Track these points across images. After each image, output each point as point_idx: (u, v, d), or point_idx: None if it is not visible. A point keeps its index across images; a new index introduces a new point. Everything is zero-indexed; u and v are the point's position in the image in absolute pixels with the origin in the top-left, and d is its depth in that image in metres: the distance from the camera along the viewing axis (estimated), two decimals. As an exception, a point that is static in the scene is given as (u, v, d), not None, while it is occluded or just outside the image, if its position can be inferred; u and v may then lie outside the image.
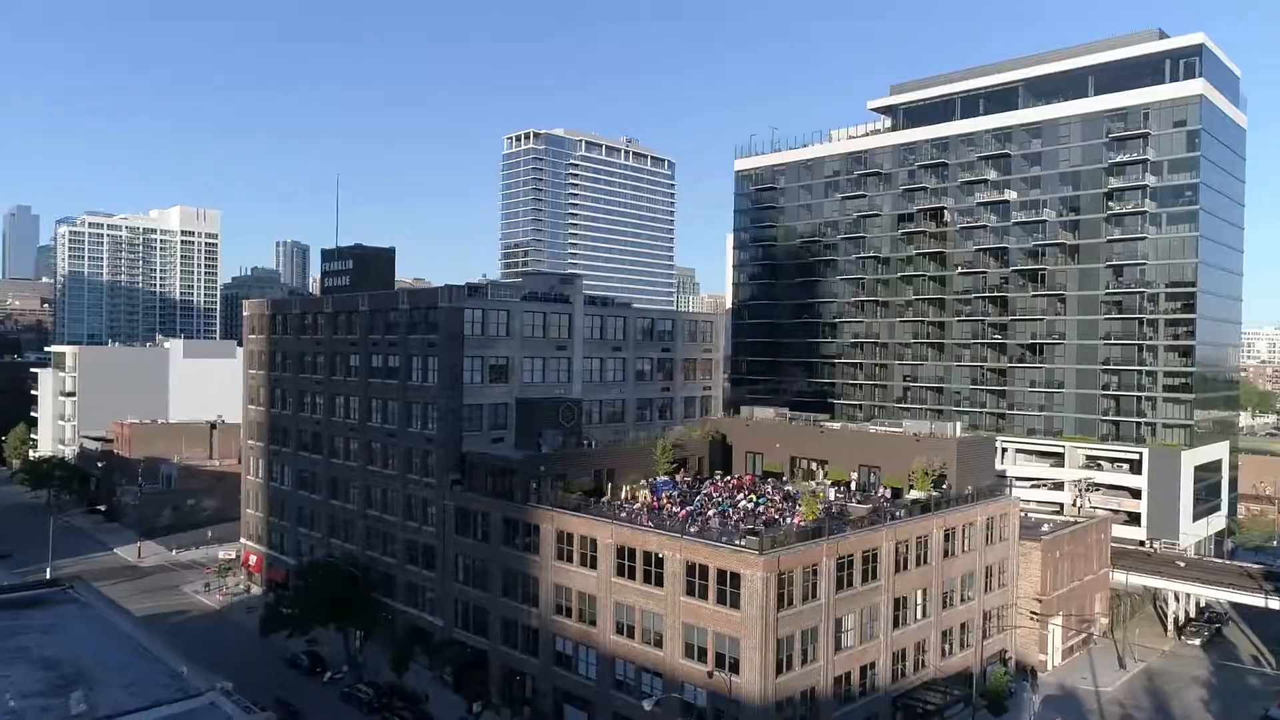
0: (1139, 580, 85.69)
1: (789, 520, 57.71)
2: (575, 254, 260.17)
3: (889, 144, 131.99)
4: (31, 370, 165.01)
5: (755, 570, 48.89)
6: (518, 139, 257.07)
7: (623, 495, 62.07)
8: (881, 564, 57.27)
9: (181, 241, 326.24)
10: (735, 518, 59.28)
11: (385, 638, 73.96)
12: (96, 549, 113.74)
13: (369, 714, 64.50)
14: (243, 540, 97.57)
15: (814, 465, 75.67)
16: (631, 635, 55.73)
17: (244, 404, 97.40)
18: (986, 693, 64.05)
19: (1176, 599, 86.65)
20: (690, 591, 52.39)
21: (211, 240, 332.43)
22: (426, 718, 62.10)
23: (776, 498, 65.88)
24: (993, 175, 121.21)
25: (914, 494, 67.50)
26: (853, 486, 70.06)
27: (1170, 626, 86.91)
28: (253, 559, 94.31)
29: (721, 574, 50.70)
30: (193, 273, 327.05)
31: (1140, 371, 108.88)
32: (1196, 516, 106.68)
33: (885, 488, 68.45)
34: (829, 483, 71.67)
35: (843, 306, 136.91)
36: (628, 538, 55.86)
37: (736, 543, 51.11)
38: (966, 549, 65.60)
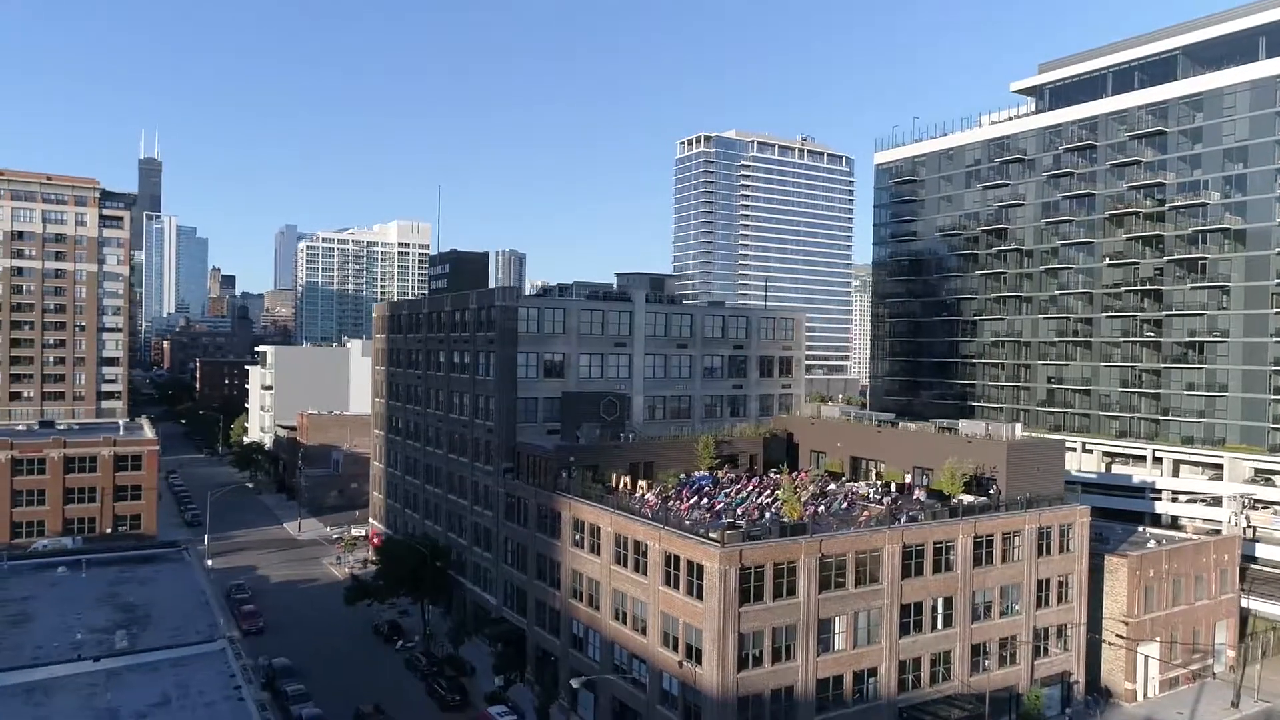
0: (1265, 608, 75.09)
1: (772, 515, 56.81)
2: (746, 256, 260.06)
3: (1033, 127, 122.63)
4: (243, 367, 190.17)
5: (714, 562, 49.02)
6: (689, 143, 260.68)
7: (621, 486, 63.36)
8: (884, 567, 54.94)
9: (398, 252, 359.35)
10: (739, 512, 59.07)
11: (458, 613, 79.93)
12: (270, 523, 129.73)
13: (420, 680, 70.21)
14: (370, 520, 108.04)
15: (870, 465, 73.14)
16: (625, 621, 57.34)
17: (371, 397, 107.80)
18: (1024, 714, 59.35)
19: (1324, 634, 75.06)
20: (667, 581, 53.29)
21: (424, 250, 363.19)
22: (461, 689, 66.69)
23: (805, 495, 64.51)
24: (1147, 155, 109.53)
25: (966, 498, 63.89)
26: (893, 487, 67.01)
27: (1319, 666, 75.40)
28: (376, 537, 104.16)
29: (690, 565, 51.23)
30: (408, 280, 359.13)
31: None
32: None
33: (921, 490, 65.06)
34: (880, 483, 69.08)
35: (983, 303, 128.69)
36: (622, 526, 57.50)
37: (710, 535, 51.33)
38: (1010, 558, 61.06)
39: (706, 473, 70.01)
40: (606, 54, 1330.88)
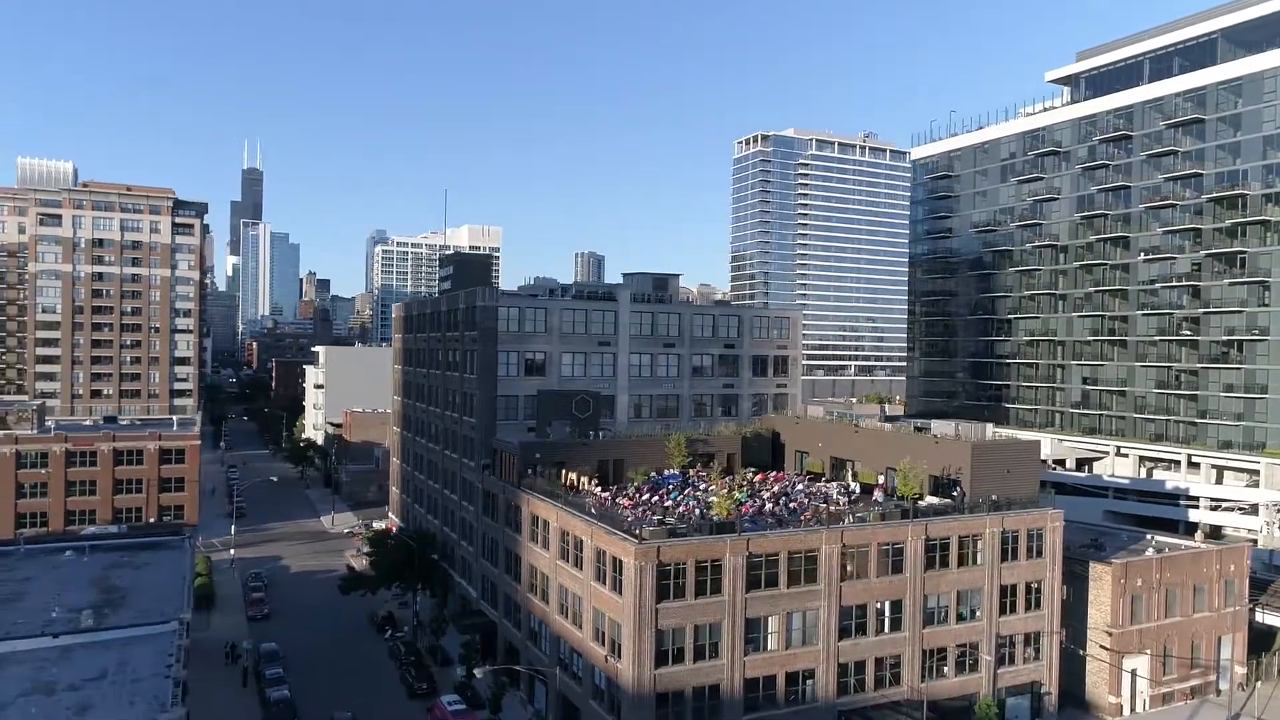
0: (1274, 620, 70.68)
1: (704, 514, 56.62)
2: (805, 257, 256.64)
3: (1067, 118, 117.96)
4: (302, 367, 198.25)
5: (630, 557, 49.34)
6: (747, 142, 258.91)
7: (568, 482, 63.86)
8: (822, 568, 54.15)
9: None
10: (680, 509, 59.09)
11: (451, 605, 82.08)
12: (308, 515, 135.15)
13: (398, 668, 72.46)
14: (390, 514, 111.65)
15: (848, 465, 71.91)
16: (567, 616, 58.14)
17: (391, 395, 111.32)
18: (977, 723, 57.61)
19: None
20: (597, 576, 53.82)
21: (494, 253, 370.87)
22: (430, 678, 68.62)
23: (764, 495, 64.11)
24: (1185, 145, 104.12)
25: (932, 499, 62.44)
26: (857, 488, 65.87)
27: (1338, 685, 70.43)
28: (394, 530, 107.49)
29: (614, 560, 51.65)
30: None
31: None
32: None
33: (880, 490, 63.75)
34: (842, 483, 68.03)
35: (1018, 301, 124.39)
36: (565, 521, 58.29)
37: (634, 532, 51.61)
38: (968, 562, 59.25)
39: (677, 471, 70.04)
40: (684, 51, 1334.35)
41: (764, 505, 60.60)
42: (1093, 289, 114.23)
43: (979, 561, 59.70)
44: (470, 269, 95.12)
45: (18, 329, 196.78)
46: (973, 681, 59.66)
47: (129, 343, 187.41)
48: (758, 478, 70.95)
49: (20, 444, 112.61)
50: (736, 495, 63.59)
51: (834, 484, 68.66)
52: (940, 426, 67.26)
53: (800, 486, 67.76)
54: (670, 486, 66.25)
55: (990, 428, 65.40)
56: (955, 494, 61.70)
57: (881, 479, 67.66)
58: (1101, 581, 65.69)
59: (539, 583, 62.76)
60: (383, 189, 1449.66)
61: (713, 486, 59.79)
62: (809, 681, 54.25)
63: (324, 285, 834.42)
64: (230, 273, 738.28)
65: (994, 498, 61.12)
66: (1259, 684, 68.54)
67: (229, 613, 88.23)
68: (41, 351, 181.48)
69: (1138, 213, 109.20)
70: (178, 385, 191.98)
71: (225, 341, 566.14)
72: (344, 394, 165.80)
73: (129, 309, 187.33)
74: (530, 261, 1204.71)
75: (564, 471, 63.05)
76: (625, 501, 59.98)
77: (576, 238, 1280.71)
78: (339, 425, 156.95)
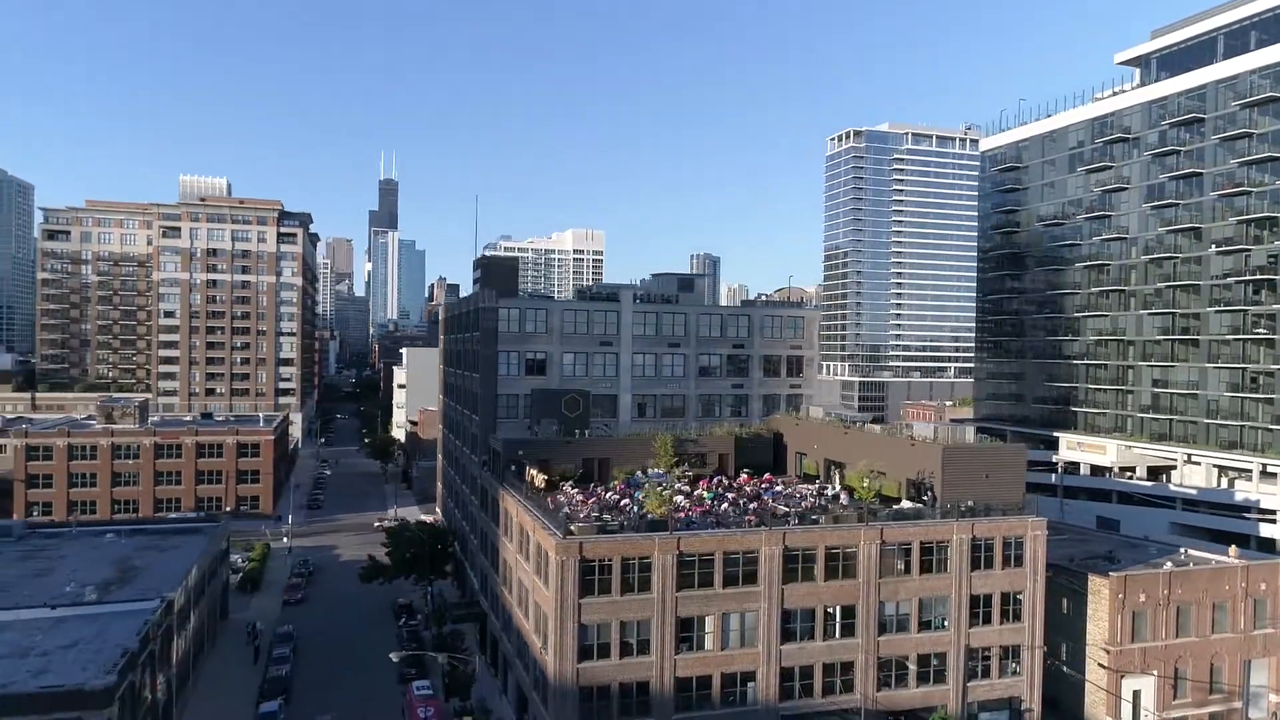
0: (1304, 649, 64.14)
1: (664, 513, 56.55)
2: (900, 254, 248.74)
3: (1136, 102, 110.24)
4: (393, 368, 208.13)
5: (553, 552, 50.22)
6: (840, 139, 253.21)
7: (528, 478, 64.78)
8: (762, 569, 53.33)
9: (573, 259, 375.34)
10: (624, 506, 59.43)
11: (467, 595, 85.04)
12: (375, 508, 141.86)
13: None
14: (436, 508, 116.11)
15: (839, 467, 70.15)
16: (522, 607, 59.59)
17: (438, 395, 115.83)
18: (935, 737, 55.22)
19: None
20: (537, 570, 54.99)
21: (598, 256, 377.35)
22: (420, 663, 71.39)
23: (730, 495, 63.49)
24: (1261, 126, 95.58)
25: (906, 503, 60.44)
26: (829, 492, 64.24)
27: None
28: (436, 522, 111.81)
29: (546, 554, 52.63)
30: (583, 285, 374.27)
31: None
32: None
33: (849, 490, 61.94)
34: (817, 485, 66.56)
35: (1085, 297, 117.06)
36: (521, 516, 59.72)
37: (571, 528, 52.42)
38: (933, 569, 56.90)
39: (662, 471, 70.14)
40: (789, 53, 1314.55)
41: (722, 506, 60.09)
42: (1163, 284, 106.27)
43: (946, 569, 57.25)
44: (498, 272, 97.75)
45: (145, 332, 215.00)
46: (938, 693, 57.24)
47: (239, 345, 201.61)
48: (742, 480, 70.28)
49: (115, 437, 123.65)
50: (703, 494, 63.46)
51: (811, 486, 67.24)
52: (920, 429, 64.75)
53: (779, 488, 66.74)
54: (643, 485, 66.46)
55: (970, 430, 62.49)
56: (926, 498, 59.39)
57: (866, 481, 65.74)
58: (1099, 595, 61.74)
59: (508, 575, 64.47)
60: (512, 196, 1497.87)
61: (662, 484, 59.60)
62: (749, 684, 53.52)
63: (453, 290, 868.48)
64: (366, 278, 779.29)
65: (969, 503, 58.47)
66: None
67: (271, 596, 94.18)
68: (163, 353, 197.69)
69: (1210, 201, 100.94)
70: (282, 385, 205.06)
71: (359, 344, 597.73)
72: (424, 393, 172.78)
73: (239, 313, 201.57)
74: (640, 265, 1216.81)
75: (527, 468, 64.34)
76: (581, 499, 60.77)
77: (691, 239, 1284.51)
78: (415, 423, 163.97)
